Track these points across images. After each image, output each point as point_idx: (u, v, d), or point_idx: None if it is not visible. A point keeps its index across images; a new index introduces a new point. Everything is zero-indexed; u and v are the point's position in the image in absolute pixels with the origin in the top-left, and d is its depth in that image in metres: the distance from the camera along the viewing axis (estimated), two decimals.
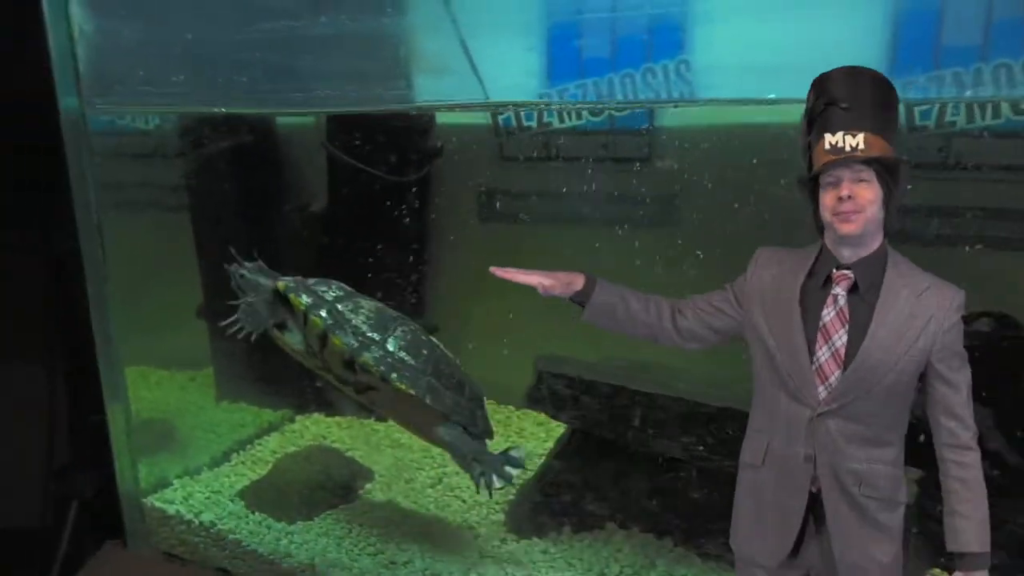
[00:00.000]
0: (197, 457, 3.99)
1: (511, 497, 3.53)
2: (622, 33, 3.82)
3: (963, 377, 1.75)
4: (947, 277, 1.81)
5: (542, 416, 4.24)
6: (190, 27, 2.93)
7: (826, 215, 1.74)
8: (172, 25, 2.96)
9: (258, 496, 3.62)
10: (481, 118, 4.30)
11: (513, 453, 3.05)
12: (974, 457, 1.76)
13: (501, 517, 3.41)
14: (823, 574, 1.86)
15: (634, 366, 3.33)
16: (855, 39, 2.96)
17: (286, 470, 3.71)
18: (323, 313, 2.60)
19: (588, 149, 4.19)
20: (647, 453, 2.92)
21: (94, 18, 3.07)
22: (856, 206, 1.69)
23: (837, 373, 1.74)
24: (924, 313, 1.72)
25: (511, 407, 4.42)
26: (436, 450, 3.99)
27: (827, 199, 1.72)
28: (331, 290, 2.74)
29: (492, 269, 2.11)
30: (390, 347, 2.71)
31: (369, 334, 2.68)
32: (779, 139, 3.52)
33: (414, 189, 4.23)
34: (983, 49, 3.02)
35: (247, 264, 2.78)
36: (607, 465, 3.04)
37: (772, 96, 3.20)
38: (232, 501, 3.62)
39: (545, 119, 4.24)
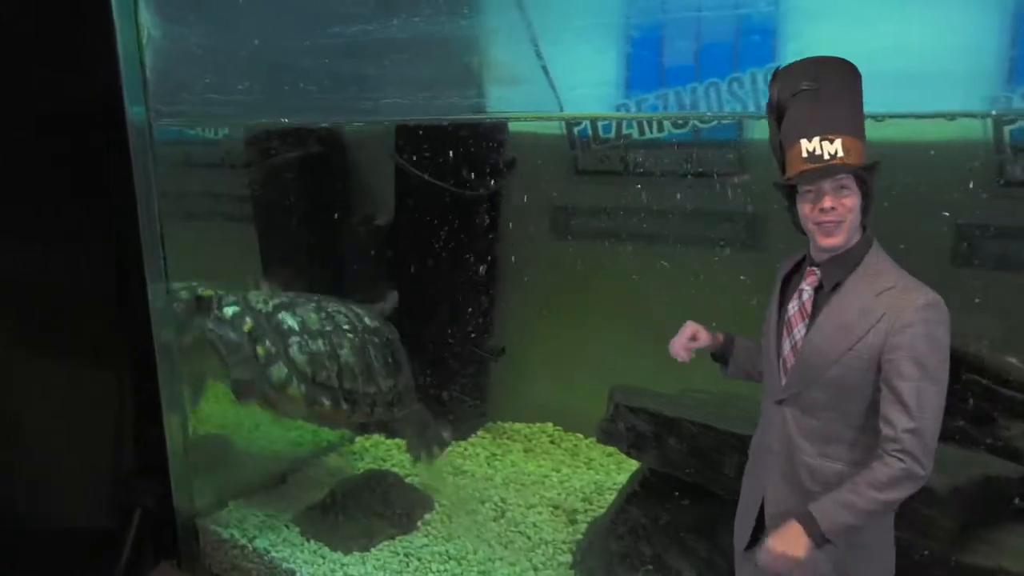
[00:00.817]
0: (253, 477, 3.86)
1: (579, 536, 3.28)
2: (707, 39, 3.57)
3: (909, 385, 1.62)
4: None
5: (612, 447, 4.01)
6: (258, 33, 2.80)
7: (807, 224, 1.73)
8: (240, 31, 2.85)
9: (313, 522, 3.46)
10: (555, 128, 4.08)
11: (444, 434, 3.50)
12: (882, 464, 1.62)
13: (568, 559, 3.15)
14: None
15: (718, 399, 3.05)
16: (965, 44, 2.67)
17: (344, 495, 3.55)
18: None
19: (670, 163, 3.93)
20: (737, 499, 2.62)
21: (162, 23, 2.99)
22: (838, 216, 1.68)
23: (793, 364, 1.79)
24: (877, 311, 1.67)
25: (580, 435, 4.17)
26: (498, 479, 3.81)
27: (807, 208, 1.70)
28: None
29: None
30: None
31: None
32: (879, 155, 3.25)
33: (485, 203, 4.04)
34: None
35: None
36: (692, 513, 2.75)
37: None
38: (287, 527, 3.47)
39: (624, 131, 4.00)
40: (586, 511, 3.46)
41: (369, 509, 3.47)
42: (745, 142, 3.78)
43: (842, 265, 1.74)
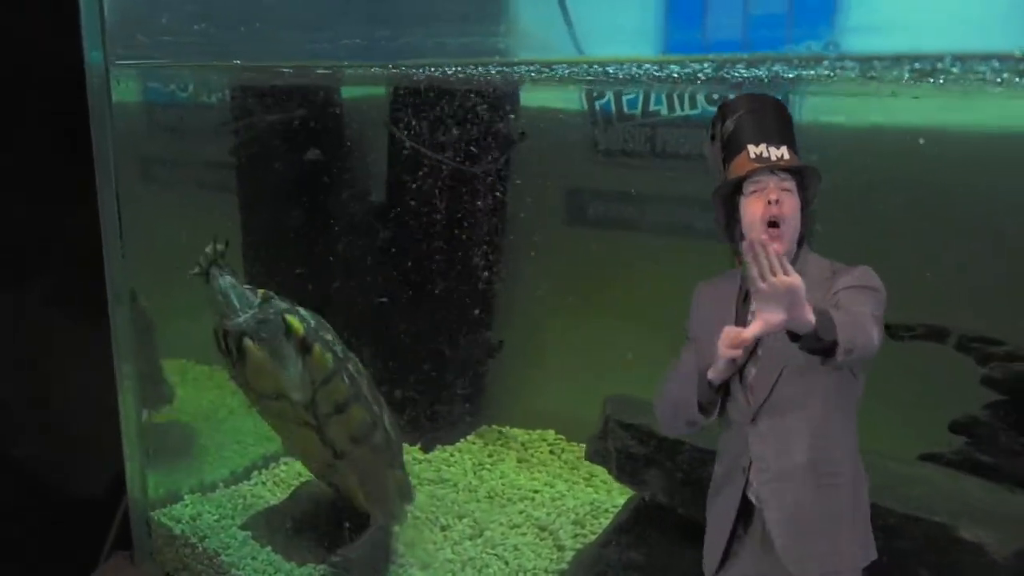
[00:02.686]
0: (215, 470, 3.53)
1: (564, 566, 2.84)
2: (756, 10, 3.10)
3: (864, 300, 1.65)
4: None
5: None
6: None
7: (754, 226, 1.71)
8: None
9: (270, 527, 3.10)
10: (574, 101, 3.63)
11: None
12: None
13: None
14: None
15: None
16: None
17: (307, 499, 3.18)
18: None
19: (703, 145, 3.44)
20: None
21: None
22: (783, 212, 1.69)
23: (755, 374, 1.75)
24: (820, 289, 1.69)
25: (583, 445, 3.71)
26: (483, 491, 3.39)
27: (755, 207, 1.72)
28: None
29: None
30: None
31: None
32: (934, 143, 2.75)
33: (488, 182, 3.61)
34: None
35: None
36: (690, 554, 2.29)
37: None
38: (242, 529, 3.12)
39: (652, 107, 3.53)
40: (576, 536, 3.01)
41: (332, 517, 3.08)
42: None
43: None
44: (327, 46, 2.23)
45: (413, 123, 3.40)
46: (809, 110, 3.19)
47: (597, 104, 3.64)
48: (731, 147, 1.80)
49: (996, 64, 1.99)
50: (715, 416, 1.77)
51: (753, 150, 1.75)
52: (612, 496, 3.29)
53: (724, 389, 1.77)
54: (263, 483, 3.48)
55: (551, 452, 3.71)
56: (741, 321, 1.75)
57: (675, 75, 2.95)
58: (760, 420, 1.75)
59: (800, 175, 1.76)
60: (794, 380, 1.71)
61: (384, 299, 3.62)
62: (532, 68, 2.95)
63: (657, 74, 2.94)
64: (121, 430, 3.29)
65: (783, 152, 1.75)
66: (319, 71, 2.70)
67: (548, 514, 3.18)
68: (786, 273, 1.46)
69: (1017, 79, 2.13)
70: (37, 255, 3.15)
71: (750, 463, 1.76)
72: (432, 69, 2.70)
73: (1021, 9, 2.08)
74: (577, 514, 3.16)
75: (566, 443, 3.78)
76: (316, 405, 2.68)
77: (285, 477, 3.50)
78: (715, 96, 3.39)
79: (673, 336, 3.36)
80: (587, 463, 3.51)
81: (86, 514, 3.42)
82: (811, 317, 1.47)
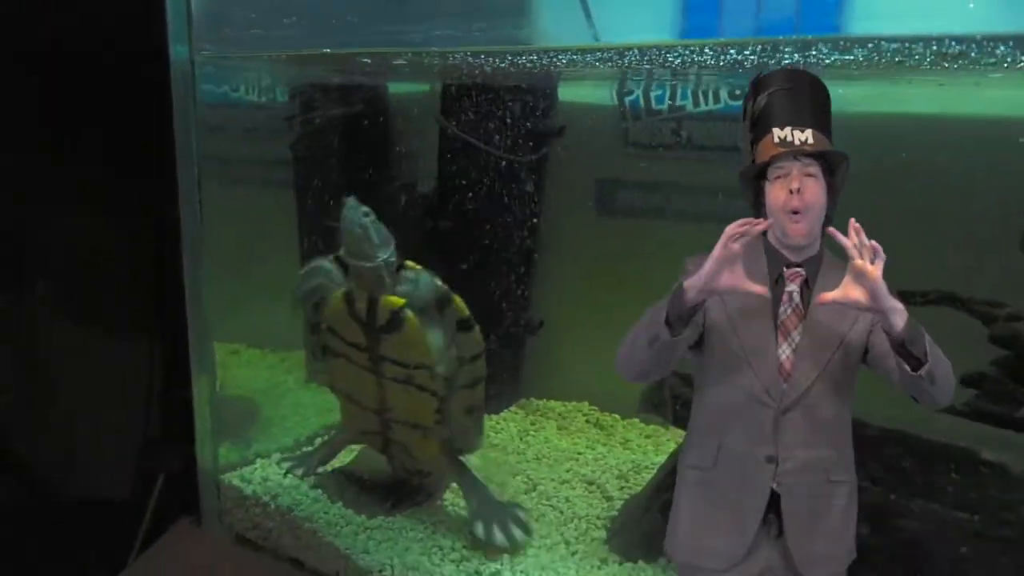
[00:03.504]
0: (281, 439, 3.78)
1: (615, 512, 3.12)
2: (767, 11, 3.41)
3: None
4: None
5: (650, 428, 3.86)
6: None
7: (776, 213, 1.72)
8: None
9: (339, 486, 3.35)
10: (606, 98, 3.95)
11: (520, 514, 2.94)
12: None
13: (603, 535, 3.00)
14: (782, 571, 1.80)
15: None
16: None
17: (371, 460, 3.42)
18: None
19: (726, 138, 3.77)
20: None
21: None
22: (806, 200, 1.68)
23: (796, 363, 1.74)
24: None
25: (616, 415, 4.01)
26: (530, 453, 3.67)
27: (777, 193, 1.71)
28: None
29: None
30: None
31: None
32: (948, 132, 3.06)
33: (531, 172, 3.91)
34: None
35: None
36: None
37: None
38: (311, 488, 3.36)
39: (678, 102, 3.85)
40: (622, 488, 3.30)
41: (396, 476, 3.34)
42: None
43: (818, 262, 1.78)
44: (417, 36, 2.49)
45: (463, 117, 3.70)
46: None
47: (626, 100, 3.96)
48: (758, 128, 1.78)
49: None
50: (680, 336, 1.66)
51: (778, 133, 1.71)
52: (649, 456, 3.59)
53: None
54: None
55: (587, 421, 4.00)
56: (776, 299, 1.74)
57: (699, 61, 3.24)
58: (795, 409, 1.72)
59: (825, 159, 1.72)
60: (837, 374, 1.73)
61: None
62: (568, 55, 3.23)
63: (682, 57, 3.21)
64: (193, 406, 3.53)
65: (808, 136, 1.70)
66: (397, 62, 2.95)
67: (593, 471, 3.47)
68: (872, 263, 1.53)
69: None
70: (103, 246, 3.34)
71: (776, 453, 1.73)
72: (485, 58, 2.94)
73: None
74: (620, 471, 3.45)
75: (600, 413, 4.07)
76: (456, 378, 2.76)
77: None
78: (737, 92, 3.74)
79: None
80: (623, 429, 3.87)
81: (151, 482, 3.64)
82: (895, 317, 1.53)
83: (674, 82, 3.78)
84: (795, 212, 1.68)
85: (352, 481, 3.36)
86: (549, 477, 3.41)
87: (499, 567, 2.82)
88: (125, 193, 3.28)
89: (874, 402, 2.48)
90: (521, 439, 3.80)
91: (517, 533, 2.86)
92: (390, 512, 3.18)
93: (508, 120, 3.75)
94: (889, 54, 2.66)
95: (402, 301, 2.59)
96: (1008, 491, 2.21)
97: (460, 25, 2.42)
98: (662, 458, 3.29)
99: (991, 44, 2.24)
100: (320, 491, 3.33)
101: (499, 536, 2.84)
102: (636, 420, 3.96)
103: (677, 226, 3.91)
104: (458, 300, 2.67)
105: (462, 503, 3.27)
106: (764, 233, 1.72)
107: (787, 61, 3.17)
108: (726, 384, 1.78)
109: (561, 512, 3.17)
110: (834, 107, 3.65)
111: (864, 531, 2.31)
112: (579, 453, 3.64)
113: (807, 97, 1.76)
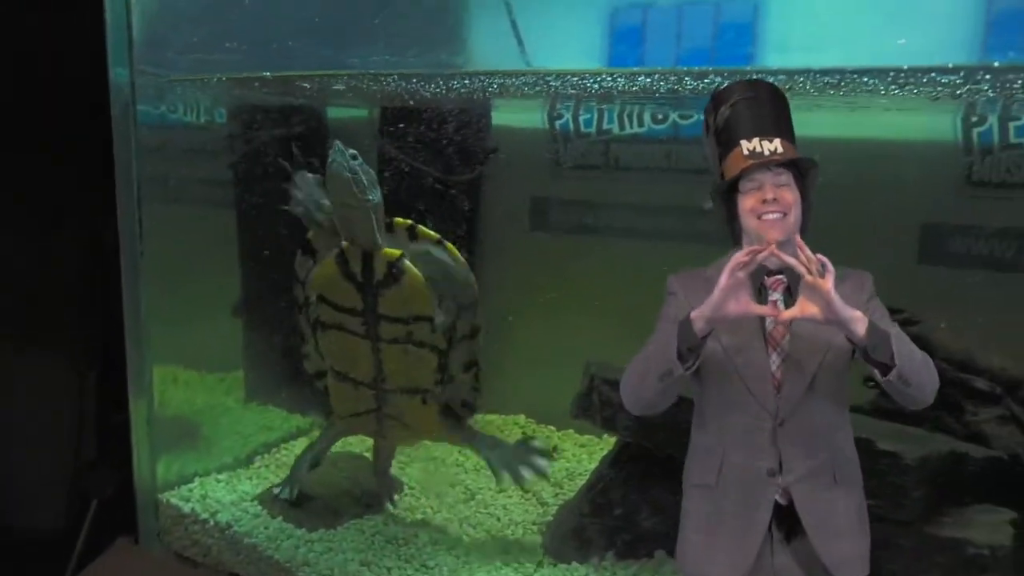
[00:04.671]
0: (220, 458, 3.79)
1: (550, 518, 3.24)
2: (687, 44, 3.66)
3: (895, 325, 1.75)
4: None
5: (584, 438, 4.00)
6: None
7: (750, 221, 1.72)
8: None
9: (279, 501, 3.38)
10: (537, 121, 4.13)
11: (535, 444, 3.00)
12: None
13: (538, 539, 3.12)
14: None
15: None
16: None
17: (310, 476, 3.47)
18: None
19: (650, 159, 3.99)
20: None
21: None
22: (780, 207, 1.68)
23: (784, 370, 1.74)
24: (844, 297, 1.65)
25: (551, 427, 4.15)
26: (470, 464, 3.77)
27: (749, 202, 1.71)
28: None
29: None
30: None
31: None
32: (860, 153, 3.32)
33: (466, 192, 4.05)
34: None
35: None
36: (662, 485, 2.74)
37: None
38: (251, 503, 3.39)
39: (605, 125, 4.06)
40: (557, 495, 3.42)
41: (337, 489, 3.41)
42: None
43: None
44: (355, 61, 2.60)
45: (400, 139, 3.82)
46: None
47: (557, 124, 4.15)
48: (724, 142, 1.77)
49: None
50: (693, 368, 1.67)
51: (746, 146, 1.71)
52: (583, 464, 3.73)
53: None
54: (266, 466, 3.77)
55: (524, 433, 4.12)
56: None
57: (625, 87, 3.45)
58: (790, 420, 1.72)
59: (796, 167, 1.73)
60: (828, 380, 1.73)
61: None
62: (501, 79, 3.41)
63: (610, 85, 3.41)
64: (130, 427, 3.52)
65: (776, 145, 1.70)
66: (336, 87, 3.06)
67: (530, 481, 3.57)
68: (822, 277, 1.55)
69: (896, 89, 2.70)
70: (39, 267, 3.31)
71: (779, 465, 1.72)
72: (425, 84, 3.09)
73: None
74: (555, 478, 3.56)
75: (536, 425, 4.20)
76: (455, 328, 2.71)
77: (287, 461, 3.78)
78: (659, 116, 3.97)
79: (627, 328, 3.86)
80: (558, 440, 4.00)
81: (85, 508, 3.60)
82: (855, 326, 1.56)
83: (601, 107, 3.99)
84: (769, 215, 1.68)
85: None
86: (487, 487, 3.52)
87: (436, 575, 2.91)
88: (63, 213, 3.29)
89: None
90: (460, 451, 3.89)
91: (541, 463, 2.96)
92: (331, 524, 3.23)
93: (444, 142, 3.89)
94: (805, 83, 2.89)
95: (399, 252, 2.53)
96: (903, 476, 2.41)
97: (397, 51, 2.54)
98: (593, 465, 3.43)
99: (898, 74, 2.42)
100: (261, 507, 3.36)
101: (526, 473, 2.95)
102: (571, 431, 4.10)
103: (607, 242, 4.10)
104: (450, 245, 2.63)
105: (403, 512, 3.36)
106: (734, 240, 1.78)
107: (704, 87, 3.42)
108: (722, 401, 1.78)
109: (499, 519, 3.28)
110: None
111: None
112: None
113: (769, 106, 1.77)
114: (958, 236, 3.28)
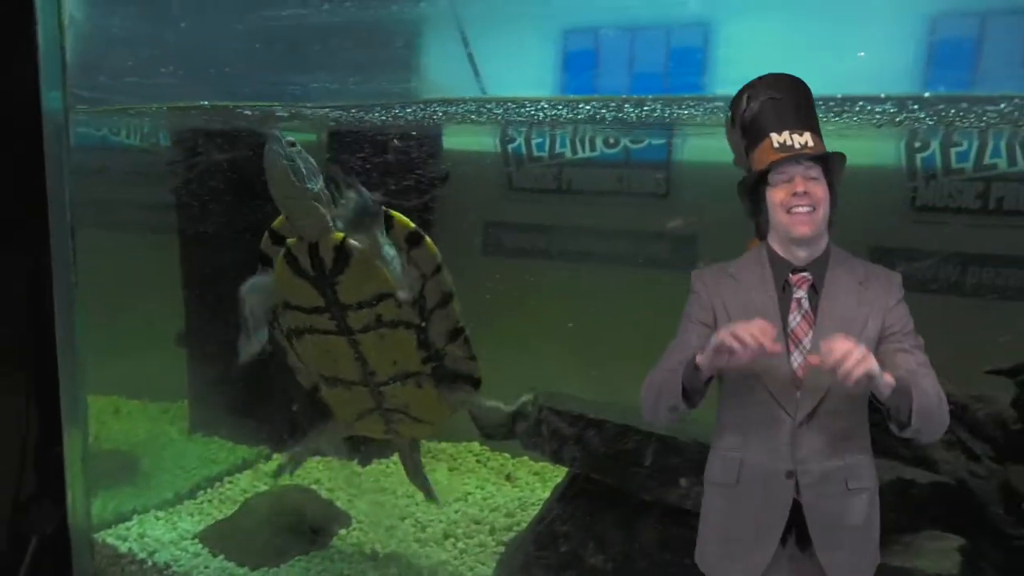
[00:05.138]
0: (160, 493, 3.65)
1: (502, 548, 3.17)
2: (639, 68, 3.68)
3: (916, 343, 1.75)
4: None
5: (538, 465, 3.94)
6: (185, 16, 2.74)
7: (779, 214, 1.71)
8: (166, 14, 2.78)
9: (222, 538, 3.27)
10: (490, 144, 4.10)
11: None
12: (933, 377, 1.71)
13: (489, 571, 3.04)
14: None
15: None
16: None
17: (255, 510, 3.37)
18: None
19: (602, 183, 3.97)
20: (658, 503, 2.58)
21: (86, 6, 2.89)
22: (811, 201, 1.68)
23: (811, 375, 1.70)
24: (868, 300, 1.72)
25: (506, 454, 4.09)
26: (420, 496, 3.65)
27: (779, 195, 1.70)
28: None
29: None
30: None
31: None
32: None
33: (418, 216, 3.98)
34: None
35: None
36: (611, 515, 2.70)
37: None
38: (192, 542, 3.27)
39: (557, 149, 4.04)
40: (509, 527, 3.35)
41: (282, 525, 3.29)
42: (675, 163, 3.86)
43: (823, 264, 1.75)
44: (297, 88, 2.55)
45: (350, 164, 3.75)
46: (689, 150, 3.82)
47: (509, 147, 4.12)
48: (753, 134, 1.77)
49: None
50: (699, 406, 1.70)
51: (776, 139, 1.70)
52: (536, 493, 3.67)
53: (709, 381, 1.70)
54: (209, 501, 3.63)
55: (477, 461, 4.05)
56: (785, 307, 1.72)
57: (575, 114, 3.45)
58: (811, 421, 1.69)
59: (826, 162, 1.71)
60: (843, 389, 1.65)
61: None
62: (461, 107, 3.38)
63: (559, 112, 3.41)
64: (64, 457, 3.38)
65: (807, 139, 1.70)
66: (279, 114, 3.00)
67: (481, 511, 3.51)
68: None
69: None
70: None
71: (795, 467, 1.70)
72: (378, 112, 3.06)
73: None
74: (508, 509, 3.51)
75: (491, 452, 4.13)
76: (424, 299, 2.59)
77: (231, 494, 3.66)
78: (611, 140, 3.96)
79: (581, 352, 3.83)
80: (512, 468, 3.94)
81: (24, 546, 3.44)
82: (881, 387, 1.54)
83: (554, 131, 3.98)
84: (800, 208, 1.67)
85: (234, 532, 3.28)
86: (438, 519, 3.44)
87: None
88: None
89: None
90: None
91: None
92: (275, 562, 3.12)
93: (395, 167, 3.83)
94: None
95: (340, 235, 2.41)
96: None
97: (341, 78, 2.48)
98: (547, 494, 3.37)
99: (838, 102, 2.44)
100: (203, 545, 3.24)
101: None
102: (526, 458, 4.04)
103: (561, 265, 4.07)
104: (397, 215, 2.53)
105: (350, 548, 3.26)
106: (767, 245, 1.76)
107: (656, 115, 3.43)
108: (742, 401, 1.75)
109: (449, 551, 3.20)
110: (696, 158, 3.95)
111: None
112: (469, 493, 3.68)
113: (799, 100, 1.76)
114: (903, 259, 3.31)
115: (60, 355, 3.32)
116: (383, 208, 2.47)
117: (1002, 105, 2.51)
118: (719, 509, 1.81)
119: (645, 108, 3.38)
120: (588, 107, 3.47)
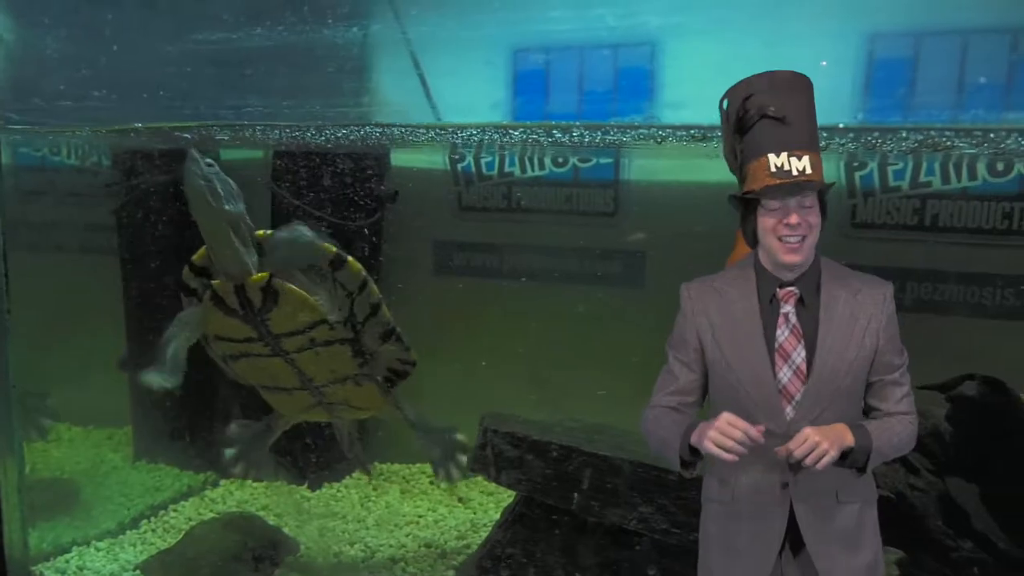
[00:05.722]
0: (102, 522, 3.55)
1: (451, 573, 3.14)
2: (589, 87, 3.72)
3: (903, 361, 1.76)
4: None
5: (491, 485, 3.91)
6: (118, 39, 2.69)
7: (769, 239, 1.67)
8: (99, 37, 2.73)
9: (165, 568, 3.19)
10: (439, 163, 4.09)
11: (458, 437, 3.07)
12: (909, 420, 1.75)
13: None
14: None
15: (589, 428, 3.03)
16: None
17: (200, 539, 3.28)
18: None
19: (551, 201, 3.99)
20: (600, 523, 2.58)
21: (17, 26, 2.83)
22: (804, 231, 1.64)
23: (802, 390, 1.69)
24: (864, 313, 1.71)
25: None
26: (371, 520, 3.63)
27: (770, 222, 1.66)
28: None
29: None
30: None
31: None
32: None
33: (364, 236, 3.96)
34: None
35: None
36: (554, 537, 2.69)
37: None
38: (133, 573, 3.19)
39: (507, 168, 4.05)
40: (459, 550, 3.32)
41: (227, 553, 3.22)
42: (622, 182, 3.89)
43: (812, 276, 1.73)
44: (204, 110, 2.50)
45: (295, 183, 3.71)
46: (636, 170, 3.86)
47: (459, 166, 4.12)
48: (750, 147, 1.69)
49: None
50: (696, 473, 1.74)
51: (774, 161, 1.63)
52: (489, 514, 3.65)
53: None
54: (153, 530, 3.54)
55: (430, 483, 4.01)
56: (773, 321, 1.71)
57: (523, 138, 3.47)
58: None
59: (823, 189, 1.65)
60: (840, 401, 1.70)
61: None
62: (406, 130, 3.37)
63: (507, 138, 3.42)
64: None
65: (805, 164, 1.62)
66: (219, 136, 2.96)
67: (433, 534, 3.48)
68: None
69: None
70: None
71: (789, 478, 1.70)
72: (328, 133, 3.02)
73: None
74: (460, 531, 3.49)
75: None
76: (354, 315, 2.63)
77: (175, 523, 3.58)
78: (560, 160, 3.99)
79: (531, 371, 3.82)
80: (464, 489, 3.91)
81: None
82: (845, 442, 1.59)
83: (503, 151, 3.98)
84: (791, 238, 1.64)
85: (176, 562, 3.20)
86: (388, 543, 3.40)
87: None
88: None
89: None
90: (363, 505, 3.76)
91: (463, 460, 3.05)
92: None
93: (341, 185, 3.80)
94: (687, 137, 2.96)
95: (265, 274, 2.41)
96: None
97: (281, 101, 2.46)
98: (498, 514, 3.35)
99: None
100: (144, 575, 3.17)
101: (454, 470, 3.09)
102: (480, 478, 4.01)
103: (510, 283, 4.07)
104: (323, 244, 2.55)
105: (297, 575, 3.21)
106: (756, 256, 1.74)
107: (609, 139, 3.46)
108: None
109: None
110: (644, 177, 3.97)
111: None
112: (420, 516, 3.65)
113: (800, 111, 1.66)
114: None
115: None
116: (311, 241, 2.49)
117: (932, 133, 2.57)
118: (718, 526, 1.82)
119: (597, 133, 3.41)
120: (540, 134, 3.49)
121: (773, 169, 1.62)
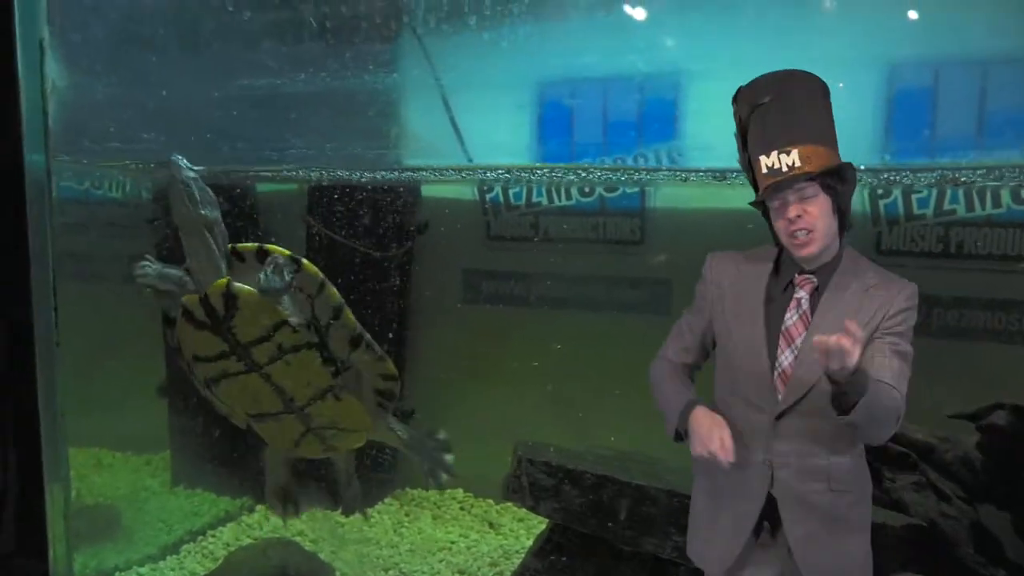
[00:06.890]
0: (143, 548, 3.63)
1: None
2: (613, 119, 3.81)
3: (901, 357, 1.71)
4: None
5: (523, 511, 3.96)
6: (166, 84, 2.81)
7: (783, 237, 1.73)
8: (147, 82, 2.85)
9: None
10: (468, 193, 4.18)
11: (440, 436, 3.09)
12: (896, 394, 1.66)
13: None
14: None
15: (621, 456, 3.08)
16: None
17: (238, 565, 3.35)
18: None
19: (578, 230, 4.07)
20: (636, 553, 2.63)
21: (69, 74, 2.97)
22: (807, 224, 1.67)
23: (798, 374, 1.72)
24: (870, 307, 1.71)
25: (490, 500, 4.11)
26: (404, 546, 3.69)
27: (779, 223, 1.72)
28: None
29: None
30: None
31: None
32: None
33: (396, 266, 4.05)
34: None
35: None
36: (589, 565, 2.73)
37: None
38: None
39: (534, 198, 4.13)
40: None
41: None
42: (648, 210, 3.96)
43: (832, 269, 1.76)
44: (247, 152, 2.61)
45: (329, 216, 3.82)
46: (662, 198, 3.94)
47: (487, 196, 4.22)
48: (751, 152, 1.74)
49: None
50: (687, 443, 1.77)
51: (765, 162, 1.67)
52: (521, 540, 3.70)
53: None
54: (192, 556, 3.62)
55: (461, 508, 4.07)
56: (783, 308, 1.74)
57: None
58: (787, 418, 1.71)
59: (817, 176, 1.65)
60: (826, 386, 1.64)
61: None
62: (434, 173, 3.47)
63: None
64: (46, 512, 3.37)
65: (794, 157, 1.63)
66: (261, 186, 3.06)
67: (465, 560, 3.53)
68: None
69: None
70: None
71: (771, 457, 1.73)
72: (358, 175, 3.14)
73: None
74: (492, 557, 3.53)
75: (474, 499, 4.16)
76: (316, 319, 2.67)
77: (213, 549, 3.65)
78: (586, 189, 4.07)
79: (563, 397, 3.88)
80: (496, 515, 3.96)
81: None
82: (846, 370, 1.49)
83: (530, 182, 4.07)
84: (798, 232, 1.67)
85: None
86: (421, 569, 3.45)
87: None
88: None
89: None
90: (395, 531, 3.82)
91: (448, 460, 3.04)
92: None
93: (373, 218, 3.90)
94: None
95: (224, 280, 2.50)
96: None
97: (327, 142, 2.56)
98: (530, 541, 3.40)
99: None
100: None
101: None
102: (510, 504, 4.06)
103: (539, 312, 4.15)
104: (271, 246, 2.59)
105: None
106: (777, 242, 1.78)
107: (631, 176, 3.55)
108: (725, 386, 1.81)
109: None
110: (669, 204, 4.04)
111: None
112: (452, 542, 3.70)
113: (784, 105, 1.68)
114: None
115: (42, 412, 3.33)
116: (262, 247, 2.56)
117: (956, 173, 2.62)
118: (701, 497, 1.87)
119: (621, 175, 3.50)
120: (566, 173, 3.58)
121: (765, 170, 1.68)
